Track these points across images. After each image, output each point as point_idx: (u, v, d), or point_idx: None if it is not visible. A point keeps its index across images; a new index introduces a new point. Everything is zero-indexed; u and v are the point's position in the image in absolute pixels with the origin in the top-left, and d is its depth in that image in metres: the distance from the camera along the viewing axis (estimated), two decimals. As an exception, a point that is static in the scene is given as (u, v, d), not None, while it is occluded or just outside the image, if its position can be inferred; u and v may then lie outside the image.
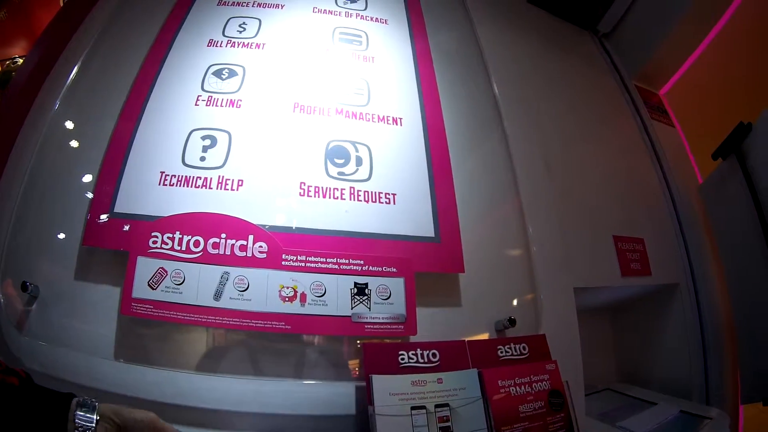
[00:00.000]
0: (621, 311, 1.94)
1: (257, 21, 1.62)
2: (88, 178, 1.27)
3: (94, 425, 0.66)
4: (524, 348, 1.19)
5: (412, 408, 0.99)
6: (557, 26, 2.16)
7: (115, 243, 1.15)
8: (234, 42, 1.54)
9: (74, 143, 1.37)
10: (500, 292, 1.33)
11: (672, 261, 1.74)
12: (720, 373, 1.66)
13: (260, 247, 1.14)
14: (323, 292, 1.12)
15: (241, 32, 1.57)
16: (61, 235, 1.23)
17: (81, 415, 0.67)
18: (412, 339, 1.15)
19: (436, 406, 1.01)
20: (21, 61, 2.19)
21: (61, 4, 2.27)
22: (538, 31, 2.02)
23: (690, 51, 2.06)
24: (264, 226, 1.18)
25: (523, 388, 1.09)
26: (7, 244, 1.22)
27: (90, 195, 1.24)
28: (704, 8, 1.96)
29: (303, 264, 1.13)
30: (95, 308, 1.15)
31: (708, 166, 1.81)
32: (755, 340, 1.53)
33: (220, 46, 1.53)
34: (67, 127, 1.39)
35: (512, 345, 1.18)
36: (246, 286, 1.10)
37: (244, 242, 1.14)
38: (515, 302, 1.33)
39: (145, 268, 1.10)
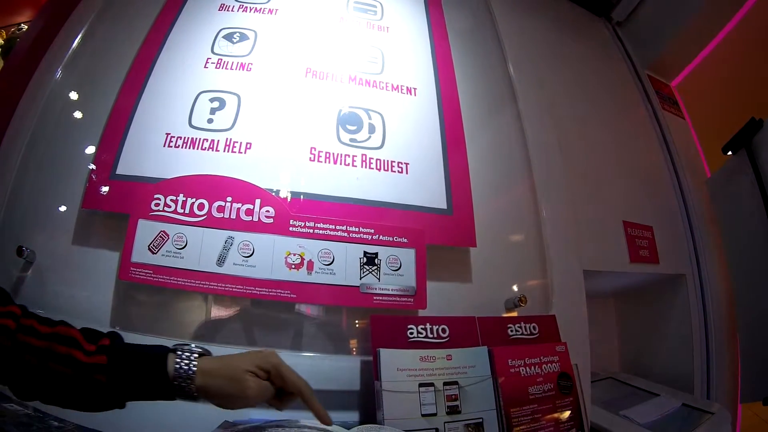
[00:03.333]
0: (627, 300, 1.92)
1: (271, -15, 1.59)
2: (90, 144, 1.23)
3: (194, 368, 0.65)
4: (534, 328, 1.17)
5: (420, 385, 0.96)
6: (572, 11, 2.14)
7: (116, 205, 1.11)
8: (246, 7, 1.50)
9: (76, 109, 1.34)
10: (511, 270, 1.30)
11: (679, 252, 1.72)
12: (722, 369, 1.65)
13: (267, 211, 1.10)
14: (331, 260, 1.09)
15: (253, -3, 1.54)
16: (60, 199, 1.19)
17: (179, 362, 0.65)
18: (421, 313, 1.12)
19: (445, 383, 0.98)
20: (26, 27, 2.14)
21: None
22: (553, 14, 2.00)
23: (703, 45, 2.05)
24: (271, 190, 1.14)
25: (533, 368, 1.07)
26: (4, 210, 1.18)
27: (91, 158, 1.20)
28: (719, 3, 1.95)
29: (311, 230, 1.10)
30: (93, 274, 1.11)
31: (716, 160, 1.80)
32: (758, 339, 1.51)
33: (232, 10, 1.49)
34: (69, 93, 1.35)
35: (523, 324, 1.15)
36: (251, 252, 1.07)
37: (251, 206, 1.10)
38: (525, 281, 1.30)
39: (145, 231, 1.06)
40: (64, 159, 1.24)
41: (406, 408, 0.94)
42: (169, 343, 1.02)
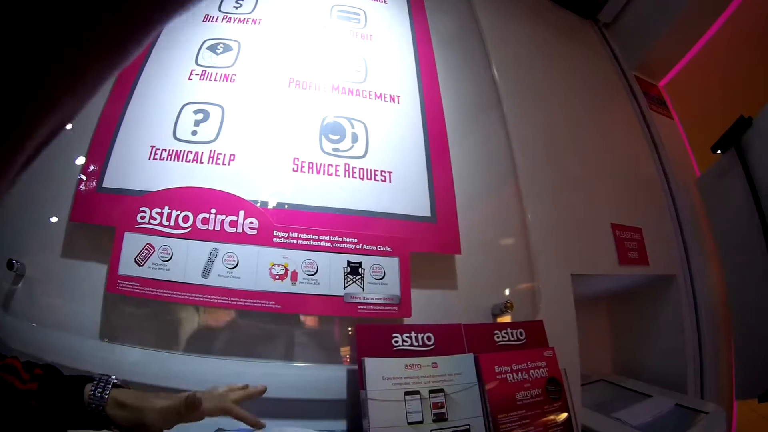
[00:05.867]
0: (617, 302, 1.92)
1: (254, -4, 1.60)
2: (77, 156, 1.23)
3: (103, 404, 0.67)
4: (521, 334, 1.17)
5: (406, 393, 0.96)
6: (558, 14, 2.13)
7: (103, 218, 1.11)
8: (230, 17, 1.50)
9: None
10: (497, 276, 1.30)
11: (669, 252, 1.72)
12: (716, 368, 1.65)
13: (251, 223, 1.10)
14: (315, 270, 1.09)
15: (237, 8, 1.53)
16: (49, 213, 1.19)
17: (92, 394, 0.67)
18: (406, 322, 1.12)
19: (431, 391, 0.98)
20: None
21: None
22: (539, 18, 1.99)
23: (690, 45, 2.05)
24: (255, 201, 1.14)
25: (520, 374, 1.07)
26: None
27: (79, 171, 1.20)
28: (705, 3, 1.95)
29: (295, 241, 1.10)
30: (81, 286, 1.11)
31: (705, 160, 1.80)
32: (752, 336, 1.51)
33: (216, 21, 1.49)
34: None
35: (509, 330, 1.15)
36: (235, 263, 1.07)
37: (235, 218, 1.10)
38: (512, 287, 1.30)
39: (132, 244, 1.07)
40: (53, 172, 1.24)
41: (392, 416, 0.94)
42: (157, 355, 1.04)
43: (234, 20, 1.49)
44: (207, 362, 1.06)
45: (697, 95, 2.10)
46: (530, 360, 1.10)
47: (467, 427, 0.97)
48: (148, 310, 1.10)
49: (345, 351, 1.11)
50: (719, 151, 1.68)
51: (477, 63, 1.63)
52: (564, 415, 1.08)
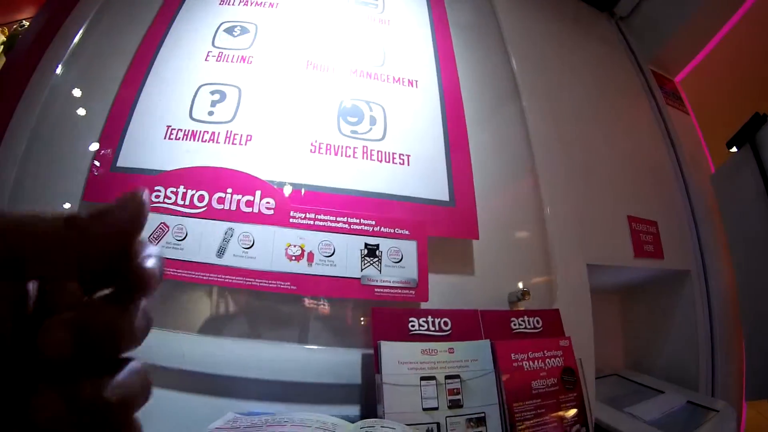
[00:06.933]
0: (631, 296, 1.91)
1: (272, -20, 1.59)
2: (91, 137, 1.22)
3: None
4: (538, 322, 1.15)
5: (422, 378, 0.95)
6: (574, 6, 2.12)
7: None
8: (247, 0, 1.49)
9: (78, 104, 1.33)
10: (513, 263, 1.29)
11: (684, 247, 1.70)
12: (726, 367, 1.63)
13: (267, 203, 1.09)
14: (332, 252, 1.08)
15: (254, -9, 1.53)
16: (63, 194, 1.18)
17: None
18: (423, 306, 1.11)
19: (447, 377, 0.97)
20: (27, 24, 2.14)
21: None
22: (555, 9, 1.98)
23: (707, 40, 2.04)
24: (272, 182, 1.13)
25: (536, 363, 1.06)
26: (7, 205, 1.16)
27: (92, 151, 1.19)
28: (722, -1, 1.94)
29: (312, 222, 1.09)
30: None
31: (720, 155, 1.79)
32: (762, 337, 1.50)
33: (233, 4, 1.48)
34: (70, 88, 1.35)
35: (526, 318, 1.14)
36: (251, 243, 1.05)
37: (251, 197, 1.09)
38: (529, 276, 1.29)
39: (147, 223, 1.05)
40: (67, 153, 1.24)
41: (407, 402, 0.92)
42: (168, 335, 1.03)
43: (251, 3, 1.48)
44: (219, 343, 1.05)
45: (713, 91, 2.09)
46: (546, 349, 1.09)
47: (482, 414, 0.96)
48: (162, 290, 1.08)
49: (359, 334, 1.10)
50: (734, 148, 1.67)
51: (495, 53, 1.62)
52: (578, 406, 1.06)
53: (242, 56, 1.34)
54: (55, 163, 1.23)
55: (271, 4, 1.49)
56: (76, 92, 1.34)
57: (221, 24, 1.42)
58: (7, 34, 2.25)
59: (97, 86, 1.33)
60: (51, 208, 0.22)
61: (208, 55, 1.34)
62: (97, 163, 1.16)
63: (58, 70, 1.35)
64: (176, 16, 1.42)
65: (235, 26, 1.41)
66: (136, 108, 1.23)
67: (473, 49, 1.58)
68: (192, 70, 1.31)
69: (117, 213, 0.27)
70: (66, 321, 0.24)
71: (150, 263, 0.28)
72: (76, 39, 1.40)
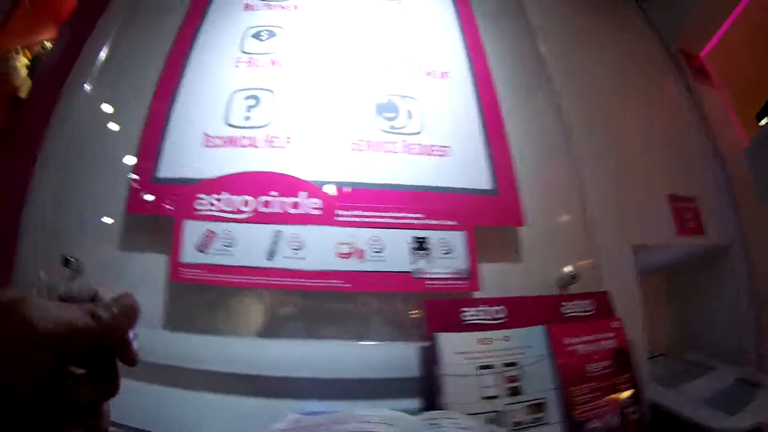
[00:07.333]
0: (675, 275, 1.88)
1: (292, -18, 1.61)
2: (127, 150, 1.25)
3: None
4: (589, 305, 1.14)
5: (479, 368, 0.95)
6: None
7: (160, 208, 1.12)
8: (270, 4, 1.51)
9: (109, 119, 1.35)
10: (559, 248, 1.28)
11: (723, 222, 1.68)
12: (772, 341, 1.61)
13: (314, 203, 1.11)
14: (381, 247, 1.09)
15: (275, -5, 1.55)
16: (103, 208, 1.21)
17: None
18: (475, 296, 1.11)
19: (505, 364, 0.97)
20: (50, 45, 2.18)
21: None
22: (578, -5, 1.96)
23: (728, 11, 2.01)
24: (316, 182, 1.14)
25: (589, 346, 1.05)
26: (46, 223, 1.20)
27: (130, 165, 1.21)
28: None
29: (359, 219, 1.10)
30: (142, 277, 1.12)
31: (753, 129, 1.77)
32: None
33: (256, 9, 1.50)
34: (101, 104, 1.37)
35: (577, 301, 1.13)
36: (300, 245, 1.07)
37: (296, 199, 1.11)
38: (573, 259, 1.27)
39: (192, 231, 1.07)
40: (103, 167, 1.26)
41: (466, 392, 0.93)
42: (221, 340, 1.05)
43: (274, 6, 1.50)
44: (272, 345, 1.06)
45: (738, 63, 2.05)
46: (599, 331, 1.08)
47: (542, 400, 0.96)
48: (210, 296, 1.11)
49: (413, 327, 1.09)
50: (764, 120, 1.65)
51: (521, 38, 1.61)
52: (632, 387, 1.06)
53: (272, 60, 1.35)
54: (93, 178, 1.26)
55: (294, 6, 1.50)
56: (106, 105, 1.36)
57: (248, 29, 1.43)
58: (29, 56, 2.28)
59: (128, 99, 1.35)
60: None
61: (238, 62, 1.35)
62: (136, 176, 1.17)
63: (87, 87, 1.38)
64: (201, 26, 1.44)
65: (262, 31, 1.43)
66: (171, 119, 1.25)
67: (499, 36, 1.57)
68: (224, 78, 1.32)
69: (121, 318, 0.42)
70: (93, 380, 0.41)
71: (135, 345, 0.45)
72: (102, 55, 1.43)
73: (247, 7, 1.50)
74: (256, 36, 1.41)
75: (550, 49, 1.58)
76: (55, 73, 1.45)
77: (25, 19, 2.28)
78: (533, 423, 0.94)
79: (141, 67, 1.40)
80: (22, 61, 2.22)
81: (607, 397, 1.02)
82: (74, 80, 1.40)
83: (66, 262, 1.09)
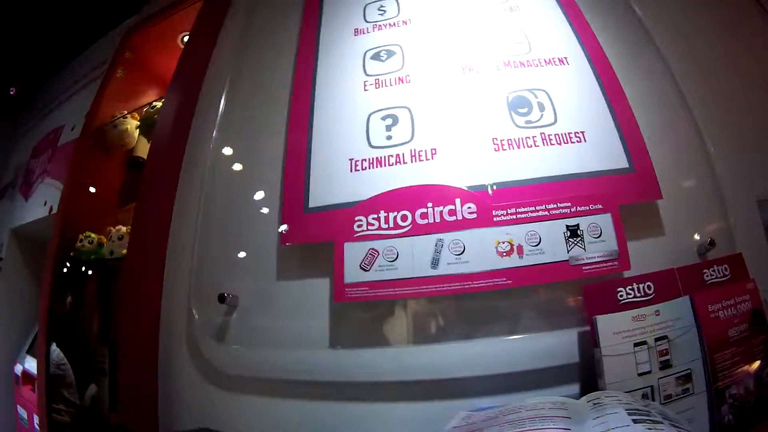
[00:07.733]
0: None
1: (394, 0, 1.65)
2: (273, 187, 1.35)
3: None
4: (726, 269, 1.16)
5: (635, 345, 1.01)
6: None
7: (317, 236, 1.22)
8: (380, 25, 1.57)
9: (243, 161, 1.45)
10: (692, 215, 1.29)
11: None
12: None
13: (469, 208, 1.17)
14: (538, 240, 1.14)
15: (382, 14, 1.60)
16: (256, 243, 1.32)
17: None
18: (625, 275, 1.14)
19: (656, 339, 1.02)
20: (159, 104, 2.28)
21: (181, 45, 2.36)
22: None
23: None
24: (467, 187, 1.21)
25: (729, 311, 1.09)
26: (195, 265, 1.32)
27: (279, 200, 1.32)
28: None
29: (514, 217, 1.15)
30: (303, 303, 1.23)
31: None
32: None
33: (367, 32, 1.56)
34: (232, 147, 1.47)
35: (716, 267, 1.16)
36: (462, 249, 1.14)
37: (452, 207, 1.17)
38: (706, 223, 1.29)
39: (353, 252, 1.16)
40: (245, 207, 1.38)
41: (623, 370, 0.98)
42: (388, 351, 1.15)
43: (384, 26, 1.56)
44: (437, 349, 1.13)
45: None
46: (736, 294, 1.11)
47: (689, 371, 1.01)
48: (374, 312, 1.20)
49: (570, 314, 1.15)
50: None
51: (618, 8, 1.59)
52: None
53: (399, 78, 1.42)
54: (236, 219, 1.37)
55: (404, 22, 1.56)
56: (238, 148, 1.47)
57: (365, 52, 1.50)
58: (137, 117, 2.39)
59: (259, 140, 1.45)
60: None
61: (365, 85, 1.42)
62: (287, 209, 1.27)
63: (214, 134, 1.48)
64: (317, 59, 1.52)
65: (380, 51, 1.49)
66: (311, 150, 1.34)
67: (596, 11, 1.56)
68: (355, 103, 1.40)
69: None
70: None
71: None
72: (222, 103, 1.53)
73: (358, 31, 1.57)
74: (376, 57, 1.48)
75: (647, 13, 1.56)
76: (176, 127, 1.56)
77: (122, 87, 2.42)
78: (682, 394, 0.99)
79: (264, 106, 1.50)
80: (132, 124, 2.36)
81: (744, 361, 1.06)
82: (198, 131, 1.51)
83: (222, 299, 1.21)
